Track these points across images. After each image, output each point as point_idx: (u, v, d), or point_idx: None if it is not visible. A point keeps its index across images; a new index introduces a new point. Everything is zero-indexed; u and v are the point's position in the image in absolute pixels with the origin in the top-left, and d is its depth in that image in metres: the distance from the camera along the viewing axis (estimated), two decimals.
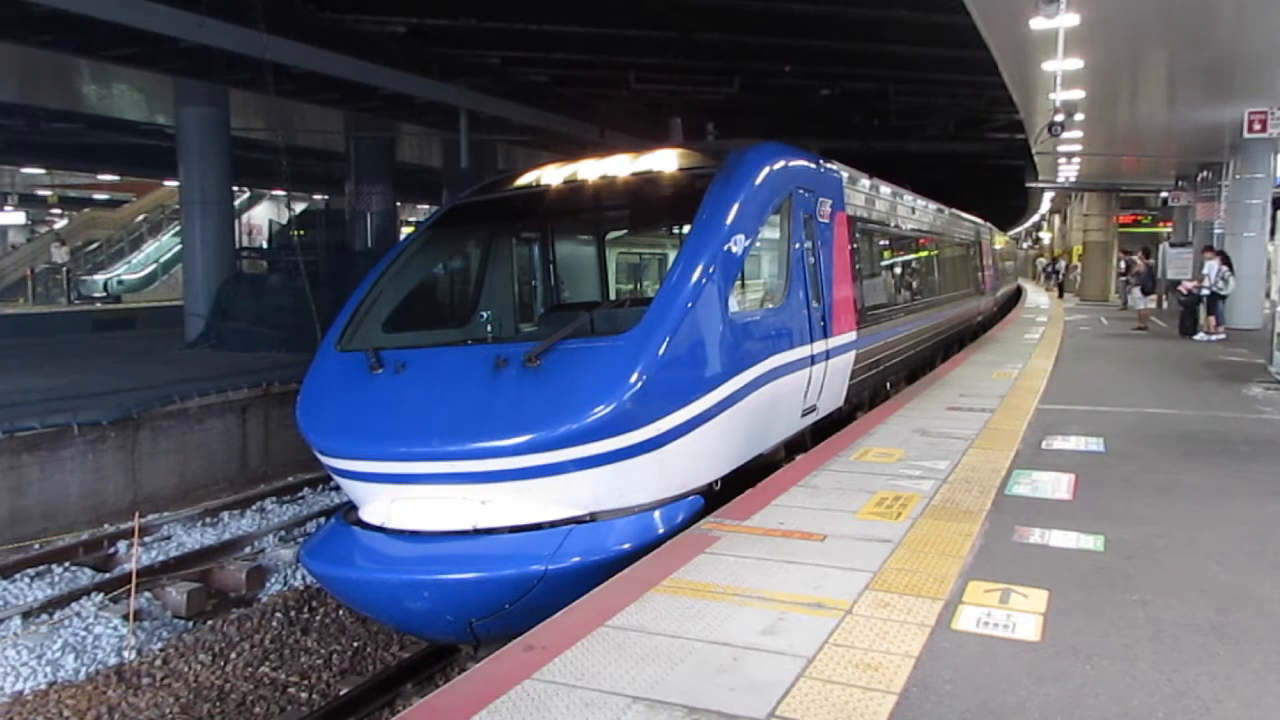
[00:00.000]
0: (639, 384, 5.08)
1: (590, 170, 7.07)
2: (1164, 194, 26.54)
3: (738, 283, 6.15)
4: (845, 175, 9.01)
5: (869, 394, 9.62)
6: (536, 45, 18.49)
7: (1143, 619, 3.63)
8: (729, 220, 6.03)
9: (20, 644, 7.33)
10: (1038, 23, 9.67)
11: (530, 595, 4.76)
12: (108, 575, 8.93)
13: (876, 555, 4.34)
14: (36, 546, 9.50)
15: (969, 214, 19.67)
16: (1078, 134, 17.48)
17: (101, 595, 8.24)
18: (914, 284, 12.51)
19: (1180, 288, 17.47)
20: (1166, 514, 5.13)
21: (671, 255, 6.60)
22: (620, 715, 2.89)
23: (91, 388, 11.95)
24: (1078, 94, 13.15)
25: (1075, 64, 11.36)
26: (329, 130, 23.64)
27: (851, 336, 8.12)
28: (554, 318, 7.03)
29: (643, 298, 5.88)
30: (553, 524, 5.06)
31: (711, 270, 5.70)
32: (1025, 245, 57.39)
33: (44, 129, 24.04)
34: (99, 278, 34.16)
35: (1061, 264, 35.65)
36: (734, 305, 6.03)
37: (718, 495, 5.66)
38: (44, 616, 7.88)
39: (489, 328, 6.77)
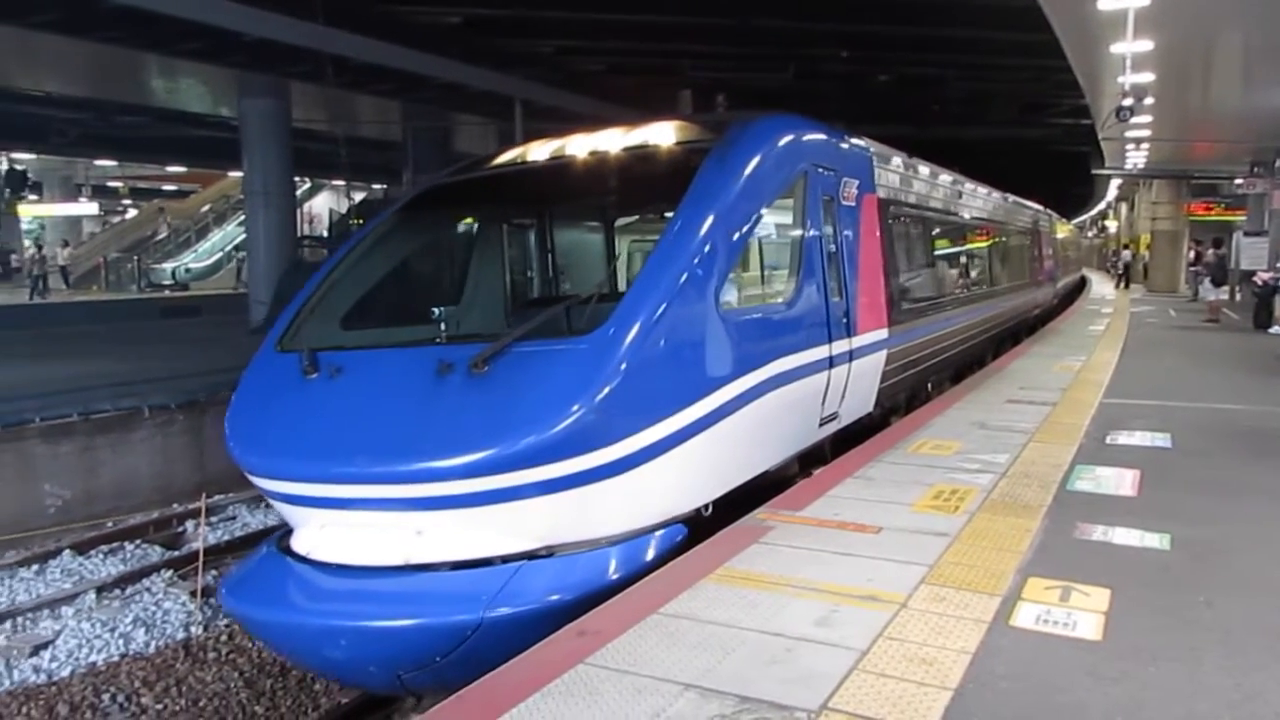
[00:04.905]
0: (602, 394, 4.34)
1: (578, 146, 6.28)
2: (1237, 180, 25.60)
3: (734, 274, 5.38)
4: (875, 152, 8.03)
5: (905, 396, 8.77)
6: (589, 34, 18.54)
7: (1209, 621, 3.53)
8: (724, 201, 5.24)
9: (94, 617, 7.64)
10: (1106, 3, 9.37)
11: (465, 646, 4.11)
12: (176, 553, 9.26)
13: (932, 549, 4.28)
14: (109, 524, 9.87)
15: (1029, 200, 19.10)
16: (1147, 119, 16.89)
17: (170, 572, 8.55)
18: (959, 275, 11.60)
19: (1255, 279, 16.86)
20: (1236, 513, 4.96)
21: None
22: (671, 702, 2.91)
23: (160, 372, 12.35)
24: (1147, 77, 12.71)
25: (1145, 46, 10.98)
26: (387, 121, 24.01)
27: (882, 334, 7.30)
28: (522, 314, 6.12)
29: (614, 292, 5.08)
30: (504, 559, 4.39)
31: (699, 259, 4.91)
32: (1090, 234, 55.91)
33: (115, 122, 24.87)
34: (167, 266, 35.25)
35: (1126, 253, 34.59)
36: (728, 301, 5.25)
37: (709, 521, 4.96)
38: (116, 591, 8.21)
39: (443, 325, 5.74)
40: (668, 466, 4.64)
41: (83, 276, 33.99)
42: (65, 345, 16.42)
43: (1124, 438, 6.77)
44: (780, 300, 5.93)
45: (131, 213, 43.40)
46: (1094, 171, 30.18)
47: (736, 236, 5.30)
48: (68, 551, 9.09)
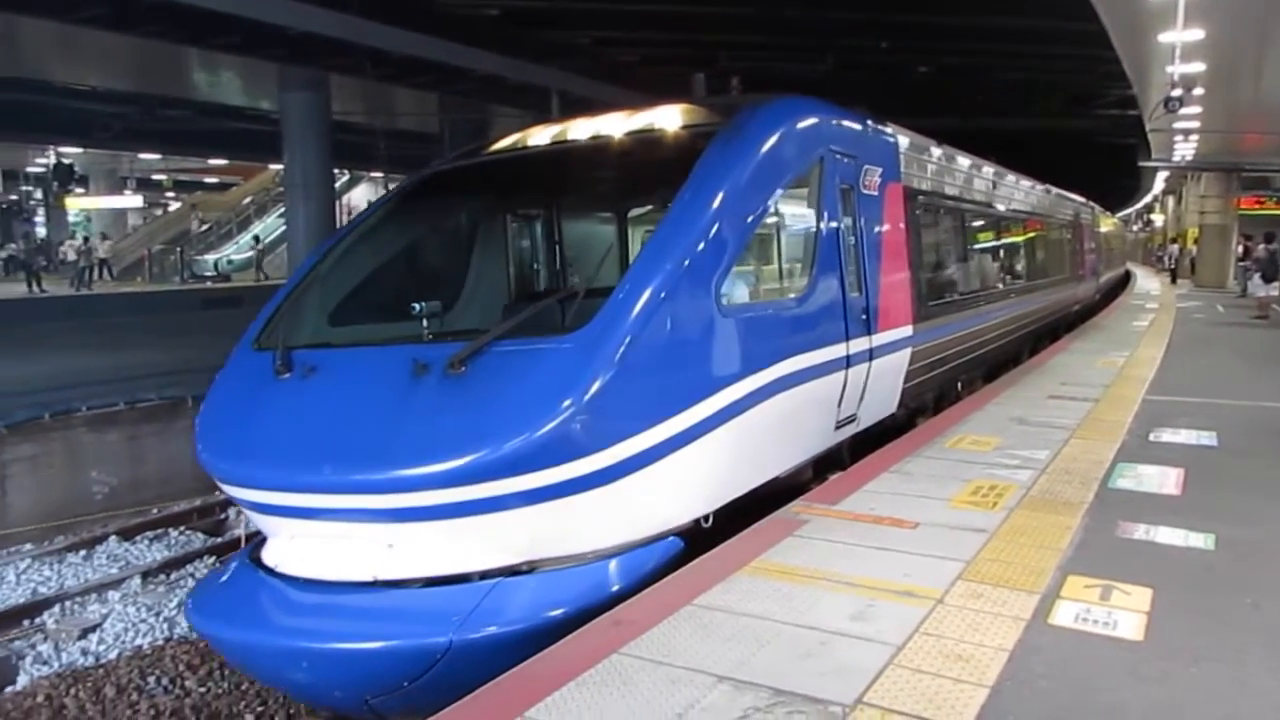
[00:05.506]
0: (587, 397, 4.02)
1: (580, 130, 5.98)
2: None
3: (739, 267, 5.03)
4: (903, 140, 7.66)
5: (933, 396, 8.42)
6: (626, 25, 18.52)
7: (1255, 623, 3.45)
8: (728, 188, 4.87)
9: (140, 601, 7.82)
10: None
11: (434, 671, 3.84)
12: (219, 540, 9.44)
13: (970, 545, 4.24)
14: (154, 511, 10.09)
15: (1071, 193, 18.70)
16: (1196, 110, 16.49)
17: (213, 559, 8.72)
18: (992, 269, 11.17)
19: None
20: None
21: None
22: (705, 694, 2.91)
23: (202, 362, 12.55)
24: (1197, 67, 12.42)
25: (1195, 35, 10.73)
26: (425, 113, 24.21)
27: (906, 331, 6.96)
28: (514, 309, 5.70)
29: (604, 286, 4.64)
30: (484, 574, 4.12)
31: (698, 251, 4.58)
32: (1135, 228, 54.84)
33: (158, 116, 25.34)
34: (209, 257, 35.87)
35: (1174, 248, 33.85)
36: (731, 296, 4.91)
37: (709, 533, 4.65)
38: (161, 577, 8.39)
39: (425, 322, 5.29)
40: (661, 475, 4.33)
41: (127, 268, 34.70)
42: (110, 336, 16.79)
43: (1168, 435, 6.64)
44: (791, 295, 5.60)
45: (173, 206, 44.16)
46: (1140, 164, 29.54)
47: (742, 227, 4.96)
48: (114, 537, 9.32)
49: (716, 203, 4.80)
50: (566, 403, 3.99)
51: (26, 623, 7.54)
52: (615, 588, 4.17)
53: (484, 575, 4.12)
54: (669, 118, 5.83)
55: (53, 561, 8.81)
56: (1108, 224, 27.56)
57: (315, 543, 4.31)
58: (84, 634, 7.32)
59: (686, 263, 4.52)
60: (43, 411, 9.91)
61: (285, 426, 4.49)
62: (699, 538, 4.57)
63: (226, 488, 4.67)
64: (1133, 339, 13.05)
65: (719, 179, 4.92)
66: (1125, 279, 30.92)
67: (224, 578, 4.69)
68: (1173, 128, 19.40)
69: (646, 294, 4.34)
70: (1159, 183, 38.73)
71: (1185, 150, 24.39)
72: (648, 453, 4.25)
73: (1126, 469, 5.63)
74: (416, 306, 5.20)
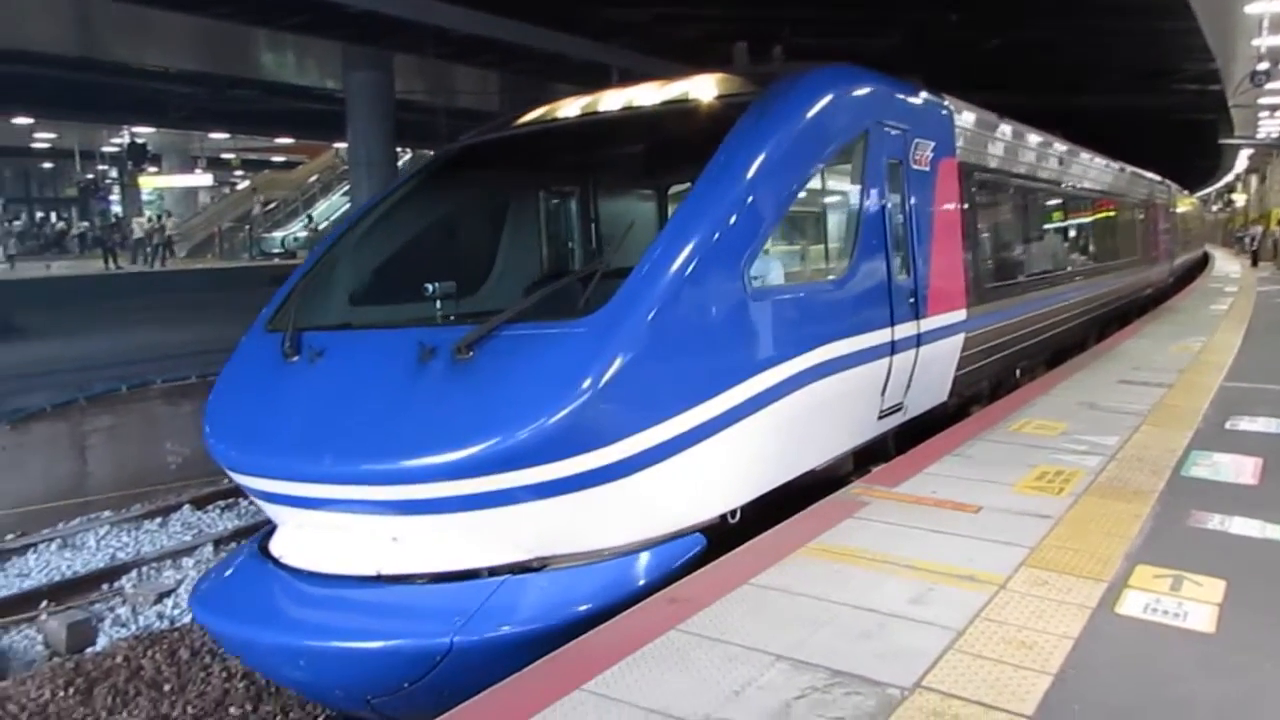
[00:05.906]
0: (601, 386, 3.79)
1: (611, 102, 5.75)
2: None
3: (771, 247, 4.77)
4: (959, 113, 7.21)
5: (989, 384, 8.00)
6: (686, 1, 18.35)
7: None
8: (760, 162, 4.58)
9: None
10: None
11: (436, 673, 3.66)
12: None
13: (1034, 531, 4.15)
14: (226, 481, 10.41)
15: (1146, 171, 17.99)
16: None
17: None
18: (1055, 250, 10.67)
19: None
20: None
21: None
22: (763, 672, 2.92)
23: None
24: None
25: None
26: (485, 91, 24.34)
27: (959, 316, 6.66)
28: (532, 290, 5.32)
29: (624, 266, 4.29)
30: (492, 571, 3.93)
31: (726, 229, 4.32)
32: (1215, 208, 52.80)
33: (226, 96, 25.93)
34: (277, 235, 36.73)
35: (1256, 229, 32.48)
36: (762, 277, 4.63)
37: (736, 530, 4.40)
38: (232, 544, 8.67)
39: (439, 304, 4.99)
40: (683, 468, 4.10)
41: (198, 245, 35.69)
42: (181, 310, 17.36)
43: (1246, 423, 6.39)
44: (830, 277, 5.36)
45: (241, 185, 45.27)
46: (1221, 141, 28.39)
47: (775, 203, 4.68)
48: (187, 506, 9.69)
49: (747, 177, 4.54)
50: (579, 391, 3.78)
51: (106, 586, 7.89)
52: (632, 588, 3.94)
53: (492, 572, 3.94)
54: (703, 88, 5.55)
55: (130, 528, 9.19)
56: (1184, 204, 26.58)
57: (319, 534, 4.19)
58: (160, 598, 7.63)
59: (712, 241, 4.27)
60: (120, 384, 10.30)
61: (289, 412, 4.34)
62: (727, 535, 4.33)
63: (232, 474, 4.56)
64: (1210, 323, 12.58)
65: (750, 151, 4.64)
66: (1203, 261, 29.82)
67: (228, 568, 4.61)
68: (1258, 103, 18.60)
69: (667, 275, 4.10)
70: (1241, 161, 37.16)
71: (1271, 127, 23.38)
72: (667, 444, 4.03)
73: (1201, 457, 5.45)
74: (429, 287, 4.95)
